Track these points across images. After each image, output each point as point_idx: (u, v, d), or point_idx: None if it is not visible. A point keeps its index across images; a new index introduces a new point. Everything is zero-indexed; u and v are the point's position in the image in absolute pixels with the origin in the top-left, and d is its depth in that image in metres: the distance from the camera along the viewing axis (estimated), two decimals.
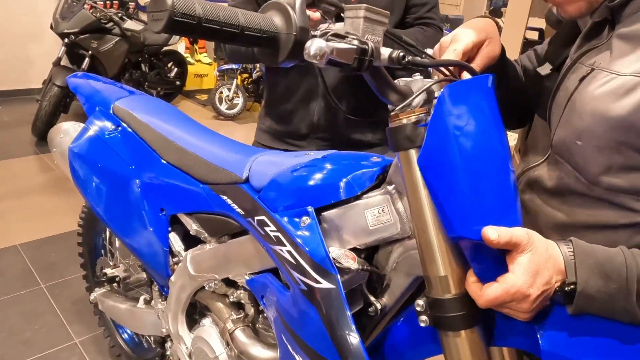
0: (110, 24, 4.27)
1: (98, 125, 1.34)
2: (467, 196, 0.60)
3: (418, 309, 0.67)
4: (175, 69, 5.31)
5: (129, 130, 1.29)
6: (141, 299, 1.45)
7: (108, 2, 4.46)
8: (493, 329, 0.69)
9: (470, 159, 0.61)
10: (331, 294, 0.72)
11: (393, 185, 0.77)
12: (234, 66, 5.20)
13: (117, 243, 1.72)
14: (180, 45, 6.06)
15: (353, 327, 0.70)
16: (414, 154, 0.65)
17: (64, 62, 4.26)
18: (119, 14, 4.35)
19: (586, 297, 0.58)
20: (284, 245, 0.80)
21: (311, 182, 0.83)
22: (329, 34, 0.54)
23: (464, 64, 0.68)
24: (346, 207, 0.80)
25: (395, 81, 0.67)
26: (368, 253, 0.82)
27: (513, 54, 1.94)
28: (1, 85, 5.46)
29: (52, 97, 4.03)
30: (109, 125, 1.33)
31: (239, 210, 0.95)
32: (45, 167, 3.77)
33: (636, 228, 0.70)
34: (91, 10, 4.18)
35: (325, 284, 0.72)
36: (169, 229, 1.20)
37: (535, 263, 0.58)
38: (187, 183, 1.11)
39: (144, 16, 4.78)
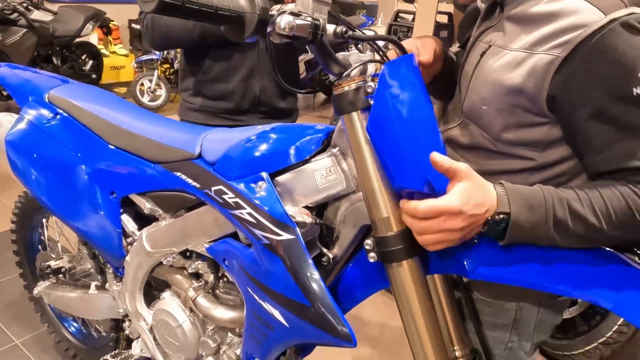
0: (15, 14, 4.00)
1: (34, 114, 1.33)
2: (408, 152, 0.72)
3: (367, 247, 0.79)
4: (90, 62, 5.07)
5: (69, 117, 1.30)
6: (92, 285, 1.47)
7: None
8: (429, 261, 0.83)
9: (407, 122, 0.73)
10: (292, 244, 0.82)
11: (337, 148, 0.89)
12: (153, 57, 5.07)
13: (58, 236, 1.70)
14: (92, 36, 5.77)
15: (314, 269, 0.81)
16: (356, 116, 0.76)
17: None
18: (24, 4, 4.08)
19: (517, 226, 0.73)
20: (244, 209, 0.89)
21: (263, 151, 0.92)
22: (286, 12, 0.64)
23: (394, 40, 0.80)
24: (297, 171, 0.90)
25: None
26: (319, 210, 0.93)
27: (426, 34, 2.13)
28: None
29: None
30: (46, 113, 1.32)
31: (194, 184, 1.02)
32: None
33: (531, 171, 0.87)
34: None
35: (285, 236, 0.83)
36: (121, 210, 1.24)
37: (471, 189, 0.71)
38: (138, 164, 1.15)
39: (51, 6, 4.52)
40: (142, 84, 4.98)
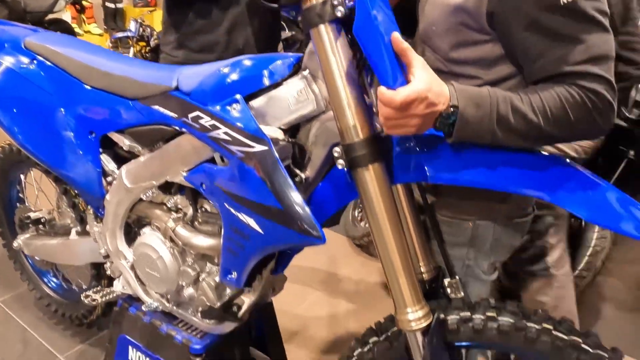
0: None
1: (10, 60, 1.35)
2: (389, 54, 0.78)
3: (336, 155, 0.85)
4: None
5: (47, 63, 1.32)
6: (73, 231, 1.50)
7: None
8: (393, 170, 0.89)
9: (383, 23, 0.78)
10: (265, 154, 0.87)
11: (307, 70, 0.94)
12: (129, 34, 5.01)
13: (37, 191, 1.72)
14: (65, 14, 5.66)
15: (286, 175, 0.86)
16: (323, 28, 0.81)
17: None
18: None
19: (464, 121, 0.79)
20: (220, 129, 0.94)
21: (237, 76, 0.97)
22: None
23: None
24: (270, 94, 0.95)
25: None
26: (292, 134, 0.98)
27: None
28: None
29: None
30: (23, 59, 1.34)
31: (171, 114, 1.06)
32: None
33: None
34: None
35: (259, 147, 0.88)
36: (100, 150, 1.27)
37: (431, 79, 0.78)
38: (116, 102, 1.19)
39: None
40: None
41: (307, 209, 0.86)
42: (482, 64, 0.92)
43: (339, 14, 0.80)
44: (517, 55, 0.86)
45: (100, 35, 6.23)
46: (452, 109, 0.79)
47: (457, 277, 1.07)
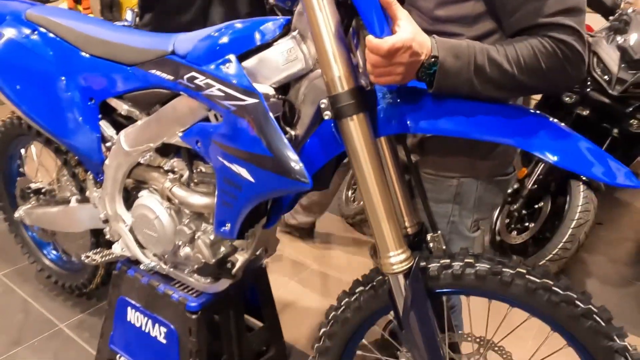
0: None
1: (13, 31, 1.40)
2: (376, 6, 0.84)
3: (322, 106, 0.91)
4: None
5: (49, 34, 1.37)
6: (73, 199, 1.55)
7: None
8: (377, 123, 0.95)
9: None
10: (256, 107, 0.93)
11: (297, 31, 0.99)
12: (126, 23, 5.04)
13: (36, 160, 1.77)
14: (62, 4, 5.69)
15: (275, 124, 0.92)
16: None
17: None
18: None
19: (444, 71, 0.85)
20: (214, 86, 0.99)
21: (230, 36, 1.02)
22: None
23: None
24: (261, 54, 1.00)
25: None
26: (283, 92, 1.04)
27: None
28: None
29: None
30: (25, 30, 1.39)
31: (168, 77, 1.11)
32: None
33: None
34: None
35: (250, 101, 0.93)
36: (99, 117, 1.32)
37: (415, 30, 0.83)
38: (115, 69, 1.24)
39: None
40: None
41: (295, 155, 0.91)
42: (465, 22, 0.97)
43: None
44: (496, 10, 0.92)
45: None
46: (433, 59, 0.85)
47: (439, 232, 1.13)
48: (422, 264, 1.00)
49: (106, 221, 1.43)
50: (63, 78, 1.33)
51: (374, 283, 1.07)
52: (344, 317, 1.10)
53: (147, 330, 1.41)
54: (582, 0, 0.88)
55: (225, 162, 1.00)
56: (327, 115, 0.91)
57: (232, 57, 0.99)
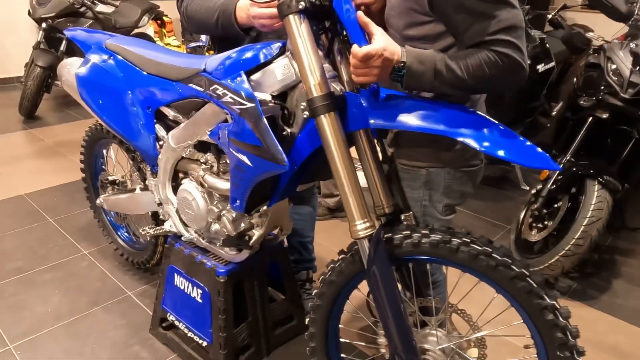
0: (84, 8, 4.66)
1: (96, 58, 1.82)
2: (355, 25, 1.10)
3: (302, 107, 1.18)
4: None
5: (120, 58, 1.78)
6: (137, 187, 1.95)
7: None
8: (347, 120, 1.21)
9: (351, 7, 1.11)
10: (254, 109, 1.23)
11: (289, 51, 1.28)
12: (200, 43, 5.64)
13: (114, 158, 2.21)
14: (149, 29, 6.44)
15: (266, 123, 1.21)
16: (292, 17, 1.14)
17: (43, 45, 4.64)
18: None
19: (410, 74, 1.10)
20: (228, 95, 1.31)
21: (241, 57, 1.34)
22: None
23: None
24: (264, 69, 1.31)
25: None
26: (282, 100, 1.33)
27: None
28: None
29: (35, 78, 4.42)
30: (104, 56, 1.81)
31: (200, 89, 1.45)
32: (36, 139, 4.18)
33: None
34: None
35: (248, 104, 1.24)
36: (155, 121, 1.69)
37: (388, 41, 1.08)
38: (165, 84, 1.60)
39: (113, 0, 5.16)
40: None
41: (277, 144, 1.20)
42: (427, 39, 1.21)
43: (301, 7, 1.13)
44: (451, 30, 1.16)
45: (178, 46, 6.97)
46: (402, 64, 1.11)
47: (410, 212, 1.35)
48: (388, 235, 1.24)
49: (160, 204, 1.80)
50: (129, 92, 1.73)
51: (352, 251, 1.31)
52: (330, 280, 1.36)
53: (188, 292, 1.75)
54: (519, 19, 1.09)
55: (234, 152, 1.31)
56: (305, 114, 1.19)
57: (242, 73, 1.30)
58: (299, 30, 1.15)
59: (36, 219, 2.84)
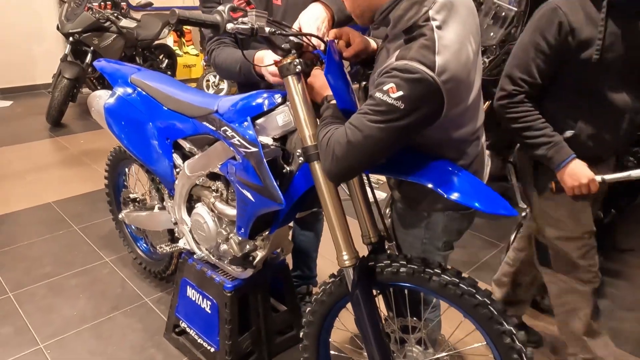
0: (108, 23, 4.93)
1: (121, 91, 2.04)
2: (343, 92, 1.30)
3: (298, 154, 1.38)
4: (166, 61, 5.98)
5: (143, 92, 1.99)
6: (156, 207, 2.16)
7: (102, 3, 5.11)
8: None
9: (340, 71, 1.31)
10: (257, 153, 1.43)
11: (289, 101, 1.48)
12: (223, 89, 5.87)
13: (135, 180, 2.43)
14: (169, 39, 6.71)
15: (267, 166, 1.40)
16: (290, 78, 1.34)
17: (70, 57, 4.92)
18: (115, 14, 5.01)
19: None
20: (235, 137, 1.51)
21: (248, 104, 1.54)
22: (239, 21, 1.23)
23: (310, 33, 1.37)
24: (268, 115, 1.51)
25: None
26: (282, 142, 1.53)
27: None
28: (11, 83, 6.12)
29: (62, 89, 4.70)
30: (129, 90, 2.03)
31: (213, 128, 1.65)
32: (61, 147, 4.45)
33: None
34: (90, 12, 4.84)
35: (253, 149, 1.44)
36: (172, 151, 1.90)
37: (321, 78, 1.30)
38: (182, 119, 1.81)
39: (136, 14, 5.43)
40: (207, 79, 5.80)
41: (276, 186, 1.40)
42: None
43: (297, 70, 1.33)
44: None
45: (196, 55, 7.23)
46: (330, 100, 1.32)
47: (393, 242, 1.53)
48: (371, 263, 1.43)
49: (175, 223, 2.01)
50: (150, 124, 1.94)
51: (340, 276, 1.50)
52: (321, 300, 1.55)
53: (198, 303, 1.96)
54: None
55: (239, 187, 1.52)
56: (300, 160, 1.38)
57: (248, 118, 1.51)
58: (296, 89, 1.35)
59: (62, 226, 3.09)
